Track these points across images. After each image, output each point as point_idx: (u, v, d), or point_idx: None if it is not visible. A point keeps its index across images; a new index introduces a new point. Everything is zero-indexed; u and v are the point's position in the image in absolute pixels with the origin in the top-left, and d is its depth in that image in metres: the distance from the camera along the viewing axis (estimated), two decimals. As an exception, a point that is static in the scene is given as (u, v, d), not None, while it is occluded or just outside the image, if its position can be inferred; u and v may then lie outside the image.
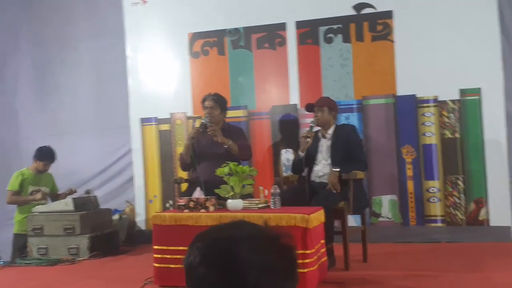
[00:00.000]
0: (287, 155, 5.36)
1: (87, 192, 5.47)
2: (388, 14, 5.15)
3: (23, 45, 6.64)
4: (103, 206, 5.53)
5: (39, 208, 5.15)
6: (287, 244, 1.08)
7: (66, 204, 5.06)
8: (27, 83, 6.63)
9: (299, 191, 4.34)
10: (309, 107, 4.48)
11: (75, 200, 5.10)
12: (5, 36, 6.68)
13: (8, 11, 6.67)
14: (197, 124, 4.88)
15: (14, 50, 6.65)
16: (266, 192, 4.07)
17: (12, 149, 6.49)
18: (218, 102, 4.75)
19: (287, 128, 5.41)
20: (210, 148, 4.64)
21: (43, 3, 6.60)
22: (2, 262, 5.09)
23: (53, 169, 5.66)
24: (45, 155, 5.41)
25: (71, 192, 5.43)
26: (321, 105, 4.42)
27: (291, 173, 4.66)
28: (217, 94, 4.82)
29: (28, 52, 6.62)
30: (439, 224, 5.02)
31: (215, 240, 1.06)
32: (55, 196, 5.51)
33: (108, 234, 5.22)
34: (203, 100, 4.78)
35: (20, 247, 5.17)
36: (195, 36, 5.68)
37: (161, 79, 5.81)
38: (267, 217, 3.47)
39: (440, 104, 5.01)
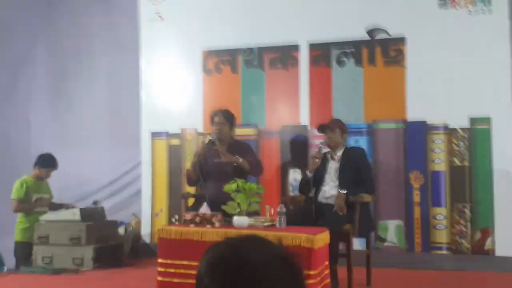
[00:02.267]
0: (294, 175, 5.37)
1: (95, 203, 5.49)
2: (401, 40, 5.19)
3: (38, 54, 6.74)
4: (109, 217, 5.55)
5: (46, 217, 5.17)
6: (297, 265, 1.06)
7: (73, 213, 5.09)
8: (40, 92, 6.71)
9: (305, 211, 4.34)
10: (321, 128, 4.50)
11: (82, 210, 5.13)
12: (21, 45, 6.78)
13: (26, 20, 6.78)
14: (206, 140, 4.91)
15: (30, 59, 6.75)
16: (272, 211, 4.06)
17: (23, 157, 6.52)
18: (227, 118, 4.75)
19: (296, 148, 5.43)
20: (216, 166, 4.64)
21: (61, 14, 6.71)
22: (5, 269, 5.11)
23: (63, 179, 5.70)
24: (49, 161, 5.41)
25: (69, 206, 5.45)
26: (334, 127, 4.45)
27: (298, 193, 4.67)
28: (226, 110, 4.82)
29: (43, 62, 6.71)
30: (444, 252, 4.99)
31: (224, 253, 1.05)
32: (51, 204, 5.50)
33: (113, 246, 5.24)
34: (213, 116, 4.79)
35: (25, 255, 5.16)
36: (209, 54, 5.75)
37: (173, 94, 5.87)
38: (279, 235, 3.46)
39: (450, 132, 5.02)
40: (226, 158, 4.53)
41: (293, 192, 5.24)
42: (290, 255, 1.07)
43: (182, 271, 3.67)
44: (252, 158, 4.72)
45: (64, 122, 6.55)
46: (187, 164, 5.42)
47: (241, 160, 4.55)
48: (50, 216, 5.18)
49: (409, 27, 5.17)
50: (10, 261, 5.34)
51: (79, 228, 4.97)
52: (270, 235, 3.48)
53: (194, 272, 3.48)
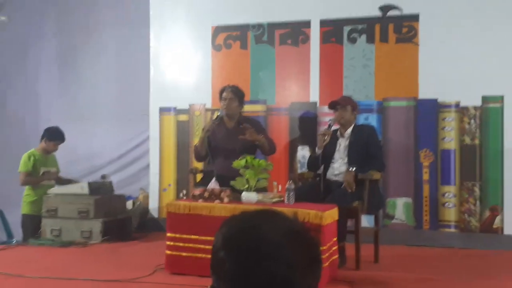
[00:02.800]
0: (303, 152, 5.35)
1: (103, 177, 5.50)
2: (415, 17, 5.11)
3: (48, 29, 6.71)
4: (117, 192, 5.57)
5: (54, 190, 5.19)
6: (313, 240, 1.05)
7: (82, 187, 5.10)
8: (49, 66, 6.70)
9: (313, 188, 4.33)
10: (332, 105, 4.46)
11: (90, 184, 5.15)
12: (30, 20, 6.75)
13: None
14: (214, 116, 4.89)
15: (39, 34, 6.72)
16: (280, 187, 4.06)
17: (31, 130, 6.53)
18: (236, 94, 4.71)
19: (305, 125, 5.40)
20: (225, 142, 4.63)
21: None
22: (14, 241, 5.16)
23: (71, 153, 5.70)
24: (56, 135, 5.39)
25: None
26: (345, 104, 4.41)
27: (307, 170, 4.65)
28: (235, 86, 4.78)
29: (52, 37, 6.69)
30: (453, 230, 4.98)
31: (240, 227, 1.05)
32: (58, 178, 5.52)
33: (121, 219, 5.26)
34: (221, 91, 4.75)
35: (33, 228, 5.20)
36: (218, 29, 5.69)
37: (182, 70, 5.83)
38: (291, 211, 3.46)
39: (461, 110, 4.97)
40: (251, 137, 4.49)
41: (301, 169, 5.23)
42: (306, 229, 1.06)
43: (190, 245, 3.69)
44: (266, 137, 4.69)
45: (72, 96, 6.54)
46: (195, 139, 5.41)
47: (264, 139, 4.53)
48: (58, 189, 5.20)
49: (422, 4, 5.10)
50: (16, 233, 5.40)
51: (88, 201, 4.99)
52: (281, 210, 3.47)
53: (202, 246, 3.51)
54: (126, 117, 6.24)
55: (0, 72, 6.88)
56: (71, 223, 4.99)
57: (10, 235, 5.45)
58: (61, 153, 5.59)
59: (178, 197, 5.63)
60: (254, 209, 1.10)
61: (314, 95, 5.38)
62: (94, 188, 5.14)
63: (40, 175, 5.37)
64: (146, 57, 5.93)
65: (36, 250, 4.68)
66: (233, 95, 4.69)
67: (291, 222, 1.06)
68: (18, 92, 6.80)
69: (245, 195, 3.83)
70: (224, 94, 4.71)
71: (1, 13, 6.81)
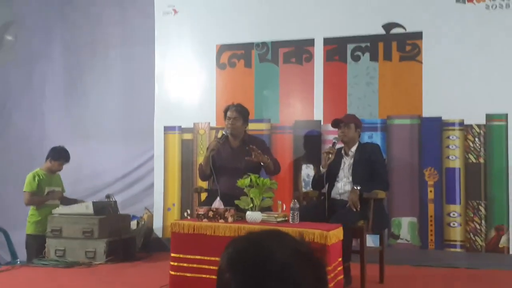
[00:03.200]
0: (307, 171, 5.34)
1: (108, 196, 5.50)
2: (418, 35, 5.13)
3: (53, 48, 6.77)
4: (122, 211, 5.55)
5: (59, 210, 5.18)
6: (320, 261, 1.05)
7: (86, 207, 5.10)
8: (55, 86, 6.74)
9: (318, 207, 4.32)
10: (336, 123, 4.47)
11: (95, 204, 5.14)
12: (36, 39, 6.81)
13: (41, 14, 6.81)
14: (219, 135, 4.90)
15: (44, 53, 6.78)
16: (285, 206, 4.05)
17: (37, 149, 6.56)
18: (241, 113, 4.73)
19: (309, 143, 5.39)
20: (229, 161, 4.63)
21: (75, 8, 6.73)
22: (18, 262, 5.14)
23: (76, 173, 5.71)
24: (61, 154, 5.41)
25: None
26: (348, 122, 4.42)
27: (311, 189, 4.64)
28: (240, 105, 4.80)
29: (57, 56, 6.74)
30: (458, 250, 4.94)
31: (246, 247, 1.05)
32: (62, 198, 5.51)
33: (125, 239, 5.25)
34: (226, 110, 4.77)
35: (37, 248, 5.18)
36: (223, 48, 5.72)
37: (187, 89, 5.85)
38: (296, 231, 3.44)
39: (465, 128, 4.96)
40: (257, 158, 4.49)
41: (305, 188, 5.22)
42: (312, 250, 1.06)
43: (194, 265, 3.68)
44: (271, 157, 4.68)
45: (77, 115, 6.57)
46: (200, 158, 5.41)
47: (269, 160, 4.53)
48: (63, 209, 5.19)
49: (425, 22, 5.11)
50: (21, 253, 5.38)
51: (92, 221, 4.98)
52: (286, 230, 3.46)
53: (207, 266, 3.49)
54: (130, 136, 6.25)
55: (6, 91, 6.93)
56: (76, 243, 4.98)
57: (14, 255, 5.44)
58: (66, 173, 5.59)
59: (182, 217, 5.62)
60: (260, 230, 1.11)
61: (318, 113, 5.39)
62: (99, 208, 5.13)
63: (44, 195, 5.37)
64: (151, 75, 5.95)
65: (40, 271, 4.66)
66: (237, 114, 4.71)
67: (298, 243, 1.07)
68: (23, 111, 6.84)
69: (249, 215, 3.82)
70: (229, 113, 4.72)
71: (8, 33, 6.88)
